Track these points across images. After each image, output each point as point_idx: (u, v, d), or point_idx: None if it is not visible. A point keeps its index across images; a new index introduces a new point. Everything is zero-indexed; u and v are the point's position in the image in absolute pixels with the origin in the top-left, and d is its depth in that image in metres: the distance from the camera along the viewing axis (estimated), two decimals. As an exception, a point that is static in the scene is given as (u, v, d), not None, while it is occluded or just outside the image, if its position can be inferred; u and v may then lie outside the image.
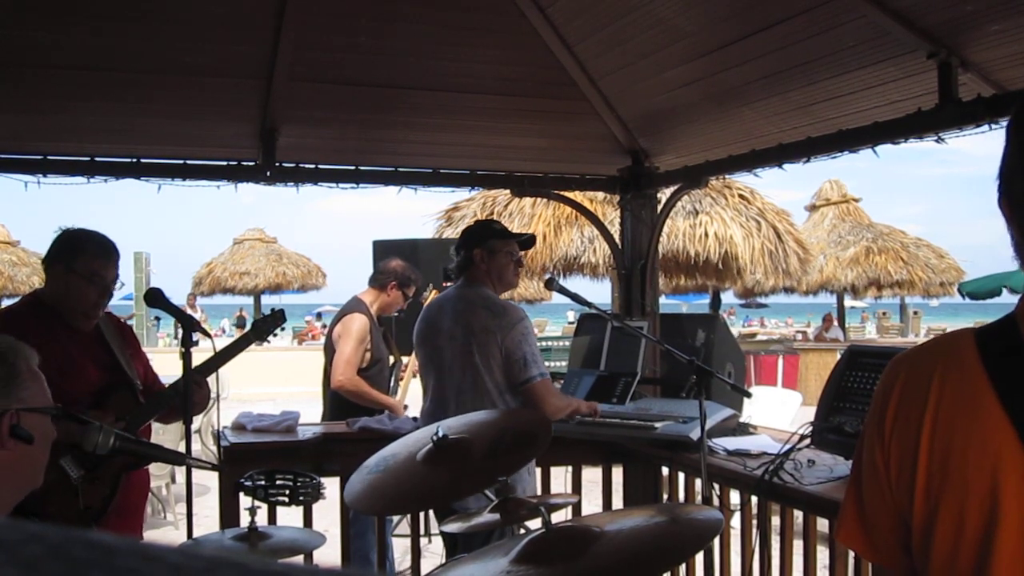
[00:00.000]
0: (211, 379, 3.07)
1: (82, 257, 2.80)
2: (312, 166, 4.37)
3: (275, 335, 3.19)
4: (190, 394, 2.87)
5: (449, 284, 4.85)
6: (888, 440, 1.10)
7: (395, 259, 4.85)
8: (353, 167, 4.46)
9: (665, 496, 4.08)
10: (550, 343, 12.21)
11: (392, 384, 4.93)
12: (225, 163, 4.24)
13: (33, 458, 1.51)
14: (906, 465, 1.07)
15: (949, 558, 1.03)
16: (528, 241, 3.66)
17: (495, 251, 3.46)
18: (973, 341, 1.06)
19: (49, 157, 3.98)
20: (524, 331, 3.33)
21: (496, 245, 3.47)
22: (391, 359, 4.94)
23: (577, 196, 5.49)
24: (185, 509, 2.91)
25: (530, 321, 3.48)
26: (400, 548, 4.89)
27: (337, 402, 4.60)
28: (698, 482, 3.29)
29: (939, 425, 1.04)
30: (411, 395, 5.26)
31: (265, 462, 2.96)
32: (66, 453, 2.31)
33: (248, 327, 3.17)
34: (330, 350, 4.67)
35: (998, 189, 1.06)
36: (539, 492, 3.73)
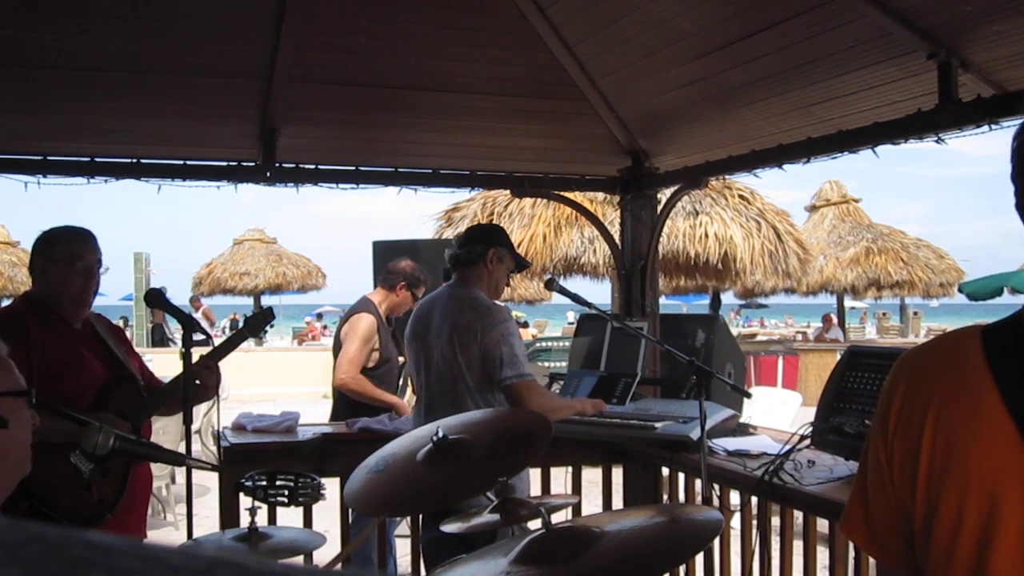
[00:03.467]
0: None
1: (58, 245, 2.86)
2: (312, 166, 4.37)
3: (266, 332, 3.27)
4: (190, 395, 2.89)
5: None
6: (891, 437, 1.10)
7: (405, 259, 4.85)
8: (353, 167, 4.46)
9: (665, 496, 4.08)
10: (550, 343, 12.22)
11: (401, 384, 4.93)
12: (225, 163, 4.24)
13: (12, 444, 1.49)
14: (908, 462, 1.07)
15: (946, 557, 1.03)
16: (524, 264, 3.68)
17: (503, 260, 3.47)
18: (979, 340, 1.06)
19: (49, 157, 3.98)
20: (504, 332, 3.30)
21: (506, 256, 3.49)
22: (400, 359, 4.94)
23: (577, 196, 5.49)
24: (185, 509, 2.91)
25: (514, 323, 3.47)
26: (401, 548, 4.89)
27: (345, 401, 4.60)
28: (698, 482, 3.29)
29: (941, 423, 1.04)
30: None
31: (265, 462, 2.96)
32: (75, 448, 2.33)
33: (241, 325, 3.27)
34: (338, 350, 4.68)
35: (1015, 194, 1.05)
36: (537, 492, 3.73)
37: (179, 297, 18.85)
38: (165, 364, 4.58)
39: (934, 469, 1.04)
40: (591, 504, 4.45)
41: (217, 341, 3.26)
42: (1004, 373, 1.02)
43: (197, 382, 2.96)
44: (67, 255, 2.84)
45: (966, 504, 1.01)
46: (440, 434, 2.14)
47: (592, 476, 4.25)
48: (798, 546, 3.23)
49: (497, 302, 3.53)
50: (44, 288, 2.86)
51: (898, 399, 1.10)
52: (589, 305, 3.57)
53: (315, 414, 5.43)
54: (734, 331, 8.87)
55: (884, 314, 27.34)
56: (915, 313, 26.49)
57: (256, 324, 3.23)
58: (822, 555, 3.25)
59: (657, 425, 3.56)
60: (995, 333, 1.06)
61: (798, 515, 3.20)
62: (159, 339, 17.14)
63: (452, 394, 3.31)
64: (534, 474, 3.76)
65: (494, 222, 8.30)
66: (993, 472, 0.99)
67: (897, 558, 1.14)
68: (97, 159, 4.06)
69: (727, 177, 7.58)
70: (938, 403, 1.05)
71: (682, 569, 3.80)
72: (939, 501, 1.03)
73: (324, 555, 2.64)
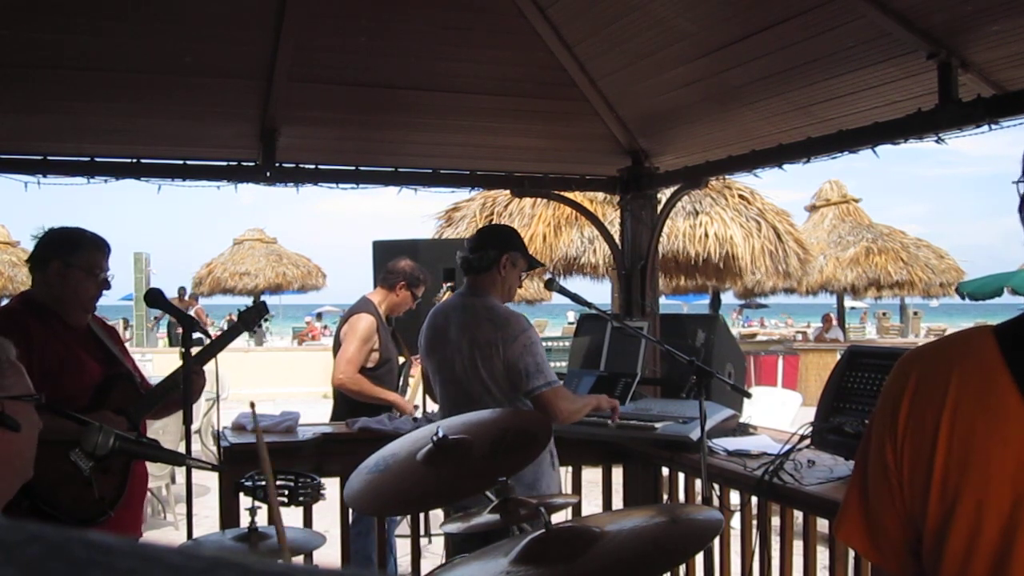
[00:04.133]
0: (210, 380, 3.14)
1: (81, 252, 2.86)
2: (312, 166, 4.37)
3: (261, 325, 3.26)
4: (191, 394, 2.89)
5: (450, 284, 4.85)
6: (901, 439, 1.07)
7: (404, 259, 4.83)
8: (353, 167, 4.46)
9: (665, 496, 4.08)
10: (550, 343, 12.18)
11: (401, 384, 4.93)
12: (225, 163, 4.24)
13: (21, 447, 1.50)
14: (920, 465, 1.05)
15: (963, 562, 1.00)
16: (537, 264, 3.62)
17: (516, 264, 3.40)
18: (993, 338, 1.04)
19: (49, 157, 3.98)
20: (526, 342, 3.26)
21: (520, 260, 3.42)
22: (400, 359, 4.94)
23: (577, 196, 5.49)
24: (185, 509, 2.92)
25: (534, 331, 3.40)
26: (401, 548, 4.89)
27: (345, 401, 4.60)
28: (698, 482, 3.30)
29: (958, 424, 1.02)
30: (421, 395, 5.26)
31: (265, 462, 2.96)
32: (74, 447, 2.34)
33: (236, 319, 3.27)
34: (338, 349, 4.68)
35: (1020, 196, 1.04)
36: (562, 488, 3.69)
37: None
38: (167, 364, 4.58)
39: (950, 472, 1.02)
40: (591, 504, 4.45)
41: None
42: (1022, 372, 1.00)
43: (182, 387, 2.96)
44: (88, 264, 2.86)
45: (986, 506, 0.99)
46: (440, 434, 2.14)
47: (592, 476, 4.25)
48: (798, 546, 3.23)
49: (514, 309, 3.49)
50: (55, 289, 2.85)
51: (907, 400, 1.08)
52: (589, 305, 3.57)
53: (315, 414, 5.43)
54: (734, 331, 8.87)
55: (884, 314, 27.35)
56: (915, 313, 26.51)
57: (250, 317, 3.23)
58: (822, 555, 3.25)
59: (657, 425, 3.56)
60: (1009, 331, 1.05)
61: (798, 515, 3.20)
62: (174, 338, 17.20)
63: (476, 406, 3.19)
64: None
65: (494, 222, 8.29)
66: (1015, 473, 0.98)
67: (899, 562, 1.12)
68: (97, 159, 4.06)
69: (727, 177, 7.58)
70: (953, 404, 1.03)
71: (682, 569, 3.80)
72: (956, 504, 1.01)
73: (324, 555, 2.64)
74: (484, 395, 3.28)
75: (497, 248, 3.37)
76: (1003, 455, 0.99)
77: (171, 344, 16.72)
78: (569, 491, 4.17)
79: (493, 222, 8.28)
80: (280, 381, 14.91)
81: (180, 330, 2.99)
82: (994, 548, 0.98)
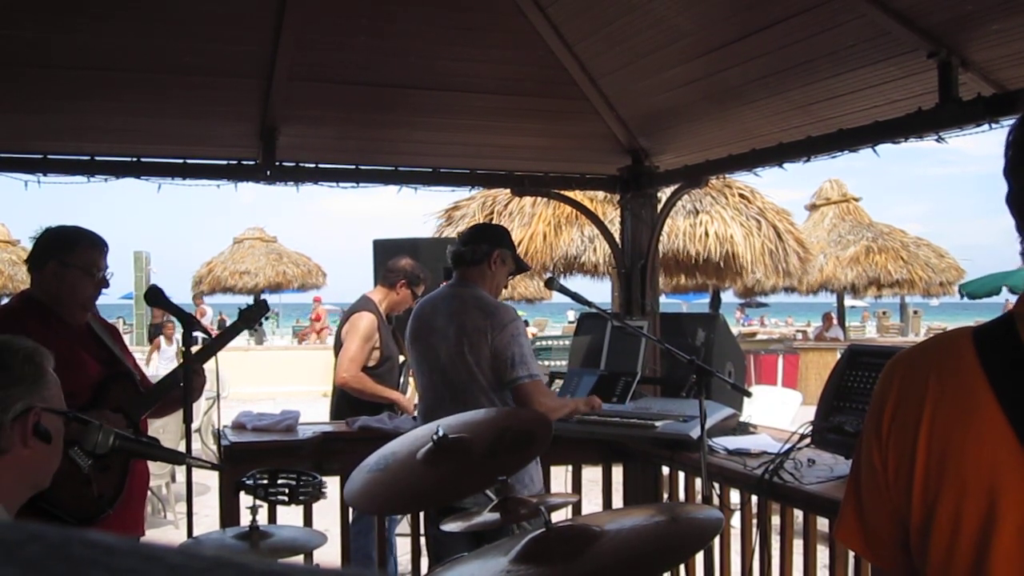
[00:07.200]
0: (211, 379, 3.14)
1: (77, 250, 2.84)
2: (312, 165, 4.37)
3: (261, 324, 3.24)
4: (191, 394, 2.89)
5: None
6: (886, 440, 1.10)
7: (405, 257, 4.84)
8: (353, 167, 4.46)
9: (665, 495, 4.08)
10: (550, 343, 12.21)
11: (402, 382, 4.94)
12: (225, 162, 4.24)
13: (48, 458, 1.53)
14: (903, 465, 1.08)
15: (946, 558, 1.03)
16: (524, 268, 3.69)
17: (506, 262, 3.47)
18: (971, 341, 1.06)
19: (49, 157, 3.98)
20: (514, 331, 3.31)
21: (509, 258, 3.49)
22: (401, 357, 4.95)
23: (577, 195, 5.49)
24: (185, 508, 2.92)
25: (522, 322, 3.46)
26: (401, 547, 4.89)
27: (345, 399, 4.60)
28: (698, 481, 3.30)
29: (936, 425, 1.04)
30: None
31: (265, 461, 2.97)
32: (74, 445, 2.34)
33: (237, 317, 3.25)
34: (339, 348, 4.68)
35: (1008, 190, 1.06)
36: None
37: (180, 297, 18.86)
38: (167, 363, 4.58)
39: (930, 471, 1.04)
40: (591, 503, 4.45)
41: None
42: (997, 373, 1.02)
43: (182, 385, 2.96)
44: (85, 263, 2.84)
45: (964, 504, 1.01)
46: (440, 433, 2.14)
47: (592, 475, 4.25)
48: (798, 545, 3.23)
49: (505, 301, 3.53)
50: (52, 288, 2.84)
51: (891, 403, 1.10)
52: (589, 304, 3.57)
53: (315, 413, 5.43)
54: (734, 330, 8.88)
55: (884, 313, 27.36)
56: (915, 312, 26.49)
57: (251, 316, 3.22)
58: (822, 554, 3.25)
59: (657, 424, 3.56)
60: (986, 333, 1.07)
61: (798, 514, 3.20)
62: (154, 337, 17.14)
63: (463, 394, 3.28)
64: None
65: (494, 221, 8.31)
66: (990, 471, 1.00)
67: (893, 561, 1.14)
68: (97, 157, 4.06)
69: (727, 176, 7.58)
70: (932, 405, 1.05)
71: (682, 568, 3.80)
72: (936, 503, 1.04)
73: (324, 554, 2.64)
74: (469, 383, 3.30)
75: (489, 243, 3.44)
76: (978, 455, 1.01)
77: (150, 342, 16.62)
78: (569, 490, 4.17)
79: (493, 221, 8.29)
80: (280, 380, 14.90)
81: (166, 331, 2.98)
82: (974, 545, 1.00)
